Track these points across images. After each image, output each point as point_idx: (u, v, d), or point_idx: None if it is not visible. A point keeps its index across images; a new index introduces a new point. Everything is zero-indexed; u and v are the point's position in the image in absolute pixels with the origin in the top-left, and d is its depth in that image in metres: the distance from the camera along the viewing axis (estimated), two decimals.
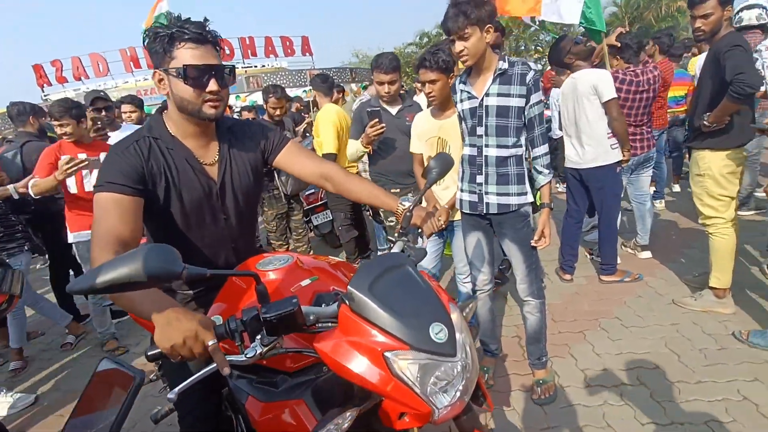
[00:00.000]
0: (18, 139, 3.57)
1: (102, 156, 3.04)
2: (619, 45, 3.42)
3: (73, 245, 3.09)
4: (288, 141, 1.50)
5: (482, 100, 1.92)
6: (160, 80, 1.24)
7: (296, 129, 3.82)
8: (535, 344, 2.23)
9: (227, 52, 19.27)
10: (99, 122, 3.41)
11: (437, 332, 0.92)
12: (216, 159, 1.37)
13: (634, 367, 2.33)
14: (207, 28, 1.22)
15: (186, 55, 1.18)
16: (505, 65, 1.88)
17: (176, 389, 0.85)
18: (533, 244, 2.02)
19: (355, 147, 2.87)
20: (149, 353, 0.88)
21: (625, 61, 3.40)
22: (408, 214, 1.32)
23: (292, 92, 13.95)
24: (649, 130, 3.48)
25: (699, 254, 3.39)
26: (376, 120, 2.65)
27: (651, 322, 2.73)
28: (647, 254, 3.64)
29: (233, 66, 1.29)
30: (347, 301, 0.94)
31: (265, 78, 18.45)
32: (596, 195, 3.19)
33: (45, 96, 19.47)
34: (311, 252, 4.15)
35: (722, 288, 2.67)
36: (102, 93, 3.72)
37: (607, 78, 2.96)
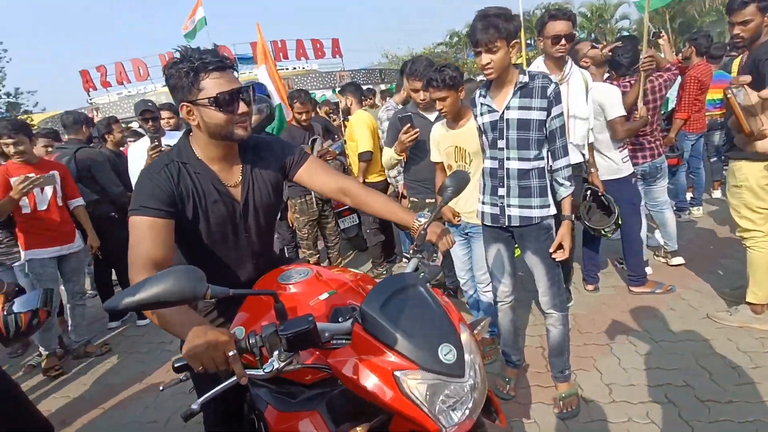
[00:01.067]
0: (69, 146, 3.81)
1: (54, 173, 3.17)
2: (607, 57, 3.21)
3: (26, 264, 3.11)
4: (308, 157, 1.56)
5: (503, 113, 1.93)
6: (189, 112, 1.30)
7: (324, 143, 3.84)
8: (557, 357, 2.21)
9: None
10: (151, 130, 3.64)
11: (446, 353, 0.94)
12: (239, 180, 1.43)
13: (663, 383, 2.27)
14: (221, 55, 1.29)
15: (213, 84, 1.24)
16: (526, 78, 1.88)
17: (200, 400, 0.91)
18: (551, 252, 2.01)
19: (389, 155, 2.92)
20: (176, 364, 0.95)
21: (619, 76, 3.21)
22: (423, 231, 1.35)
23: (321, 93, 14.20)
24: (655, 138, 3.28)
25: (737, 266, 3.24)
26: (409, 125, 2.69)
27: (683, 336, 2.64)
28: (679, 260, 3.52)
29: (252, 85, 1.37)
30: (360, 321, 0.98)
31: (296, 80, 18.80)
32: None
33: (90, 100, 20.55)
34: (340, 258, 4.22)
35: (760, 303, 2.56)
36: (150, 103, 3.88)
37: (613, 94, 2.85)
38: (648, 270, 3.33)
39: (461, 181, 1.43)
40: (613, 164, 2.97)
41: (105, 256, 3.68)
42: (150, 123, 3.71)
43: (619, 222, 2.73)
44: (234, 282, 1.50)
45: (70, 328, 3.48)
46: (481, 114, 2.03)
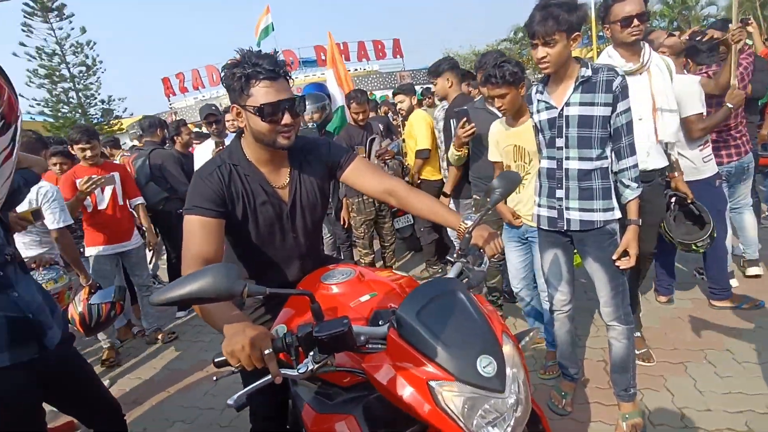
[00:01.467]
0: (145, 148, 4.15)
1: (115, 174, 3.40)
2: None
3: (90, 259, 3.34)
4: (355, 157, 1.55)
5: (562, 109, 1.80)
6: (238, 114, 1.35)
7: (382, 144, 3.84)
8: (621, 374, 2.03)
9: (322, 57, 20.32)
10: (215, 132, 3.92)
11: (485, 365, 0.89)
12: (287, 182, 1.47)
13: (744, 409, 2.01)
14: (278, 62, 1.30)
15: (261, 93, 1.27)
16: (589, 72, 1.74)
17: (235, 396, 0.93)
18: (614, 259, 1.85)
19: (450, 152, 2.88)
20: (216, 359, 0.98)
21: (698, 65, 2.89)
22: (468, 234, 1.29)
23: (381, 93, 14.32)
24: (741, 134, 2.90)
25: None
26: (465, 120, 2.61)
27: None
28: (756, 270, 3.13)
29: (303, 96, 1.39)
30: (396, 326, 0.94)
31: (357, 81, 19.13)
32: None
33: (171, 104, 22.27)
34: (394, 259, 4.20)
35: None
36: (213, 107, 4.13)
37: (694, 88, 2.50)
38: (733, 282, 2.98)
39: (510, 182, 1.35)
40: (691, 164, 2.65)
41: (174, 248, 3.95)
42: (213, 126, 3.93)
43: (714, 235, 2.38)
44: (280, 280, 1.54)
45: (141, 315, 3.78)
46: (538, 111, 1.92)
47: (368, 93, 4.69)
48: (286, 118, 1.30)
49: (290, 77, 1.34)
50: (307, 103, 3.69)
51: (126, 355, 3.60)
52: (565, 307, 2.13)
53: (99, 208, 3.32)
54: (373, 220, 3.85)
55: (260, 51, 1.31)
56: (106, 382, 3.12)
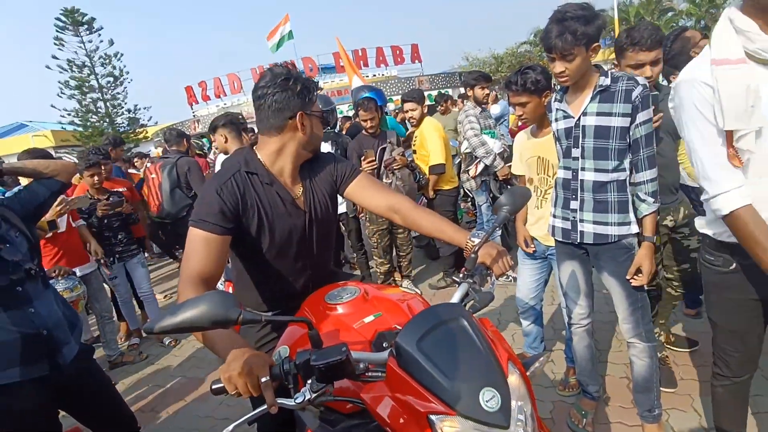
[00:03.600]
0: (172, 156, 4.26)
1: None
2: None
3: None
4: (359, 172, 1.54)
5: (579, 119, 1.74)
6: (302, 122, 1.36)
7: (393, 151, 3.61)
8: (644, 393, 1.94)
9: (341, 63, 20.48)
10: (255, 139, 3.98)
11: (488, 399, 0.84)
12: (301, 192, 1.46)
13: None
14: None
15: (317, 102, 1.40)
16: (608, 81, 1.68)
17: (231, 426, 0.91)
18: (628, 279, 1.78)
19: None
20: (213, 387, 0.96)
21: None
22: (474, 253, 1.23)
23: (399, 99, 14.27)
24: None
25: None
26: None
27: None
28: None
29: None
30: (395, 354, 0.91)
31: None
32: None
33: (194, 112, 22.80)
34: (410, 268, 4.12)
35: None
36: (241, 117, 4.15)
37: None
38: None
39: (519, 197, 1.29)
40: None
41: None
42: (250, 134, 4.00)
43: None
44: (289, 292, 1.52)
45: (106, 340, 3.55)
46: (556, 120, 1.86)
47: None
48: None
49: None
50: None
51: (143, 362, 3.65)
52: (583, 321, 2.05)
53: (58, 230, 3.10)
54: (387, 230, 3.77)
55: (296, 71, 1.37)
56: (121, 389, 3.18)
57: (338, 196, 1.57)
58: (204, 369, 3.41)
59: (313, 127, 1.40)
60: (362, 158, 3.44)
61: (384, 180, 3.57)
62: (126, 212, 3.66)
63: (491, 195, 4.05)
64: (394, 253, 4.08)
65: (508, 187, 3.83)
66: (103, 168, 3.54)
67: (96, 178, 3.42)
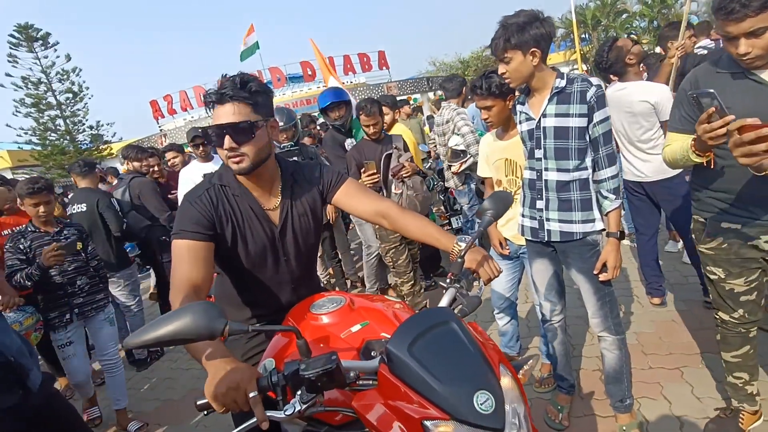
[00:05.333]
0: (126, 176, 4.11)
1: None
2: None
3: None
4: (346, 179, 1.52)
5: (539, 121, 1.79)
6: None
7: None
8: (615, 384, 1.99)
9: (309, 73, 20.38)
10: (201, 155, 3.87)
11: (482, 402, 0.83)
12: (278, 204, 1.44)
13: None
14: (235, 83, 1.26)
15: (214, 117, 1.28)
16: (563, 83, 1.73)
17: None
18: (596, 273, 1.82)
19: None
20: (198, 402, 0.92)
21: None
22: (460, 258, 1.23)
23: None
24: None
25: None
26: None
27: None
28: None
29: (248, 122, 1.28)
30: (386, 361, 0.90)
31: None
32: (669, 210, 2.78)
33: (160, 126, 22.25)
34: (422, 278, 3.97)
35: None
36: (200, 130, 4.07)
37: (668, 95, 2.57)
38: None
39: (501, 201, 1.31)
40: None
41: (159, 276, 3.89)
42: (200, 148, 3.90)
43: None
44: (273, 305, 1.51)
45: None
46: (520, 122, 1.90)
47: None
48: (227, 143, 1.26)
49: (248, 100, 1.28)
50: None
51: None
52: (555, 317, 2.09)
53: None
54: (403, 245, 3.27)
55: (235, 74, 1.30)
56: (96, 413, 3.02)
57: (324, 205, 1.55)
58: (178, 391, 3.30)
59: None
60: (362, 170, 3.12)
61: (394, 191, 3.19)
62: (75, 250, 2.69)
63: (475, 189, 3.96)
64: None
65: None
66: (52, 197, 2.72)
67: (42, 208, 2.58)
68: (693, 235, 1.82)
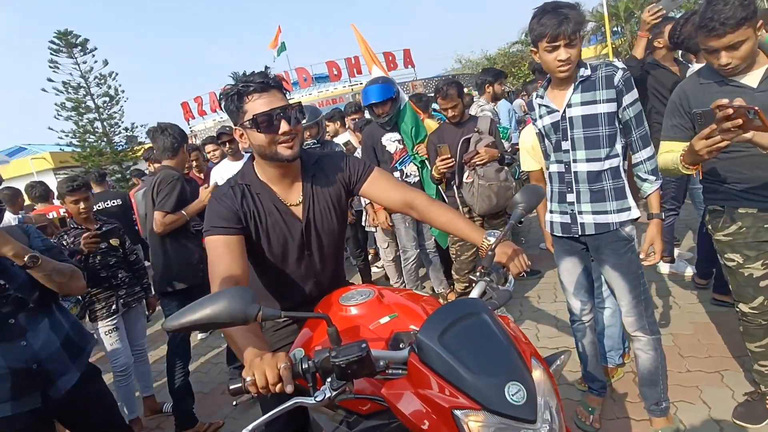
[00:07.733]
0: (150, 177, 4.21)
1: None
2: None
3: None
4: (373, 168, 1.51)
5: (564, 112, 1.73)
6: (241, 135, 1.34)
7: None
8: (650, 387, 1.90)
9: (335, 72, 20.58)
10: (229, 152, 3.90)
11: (514, 393, 0.82)
12: (300, 199, 1.44)
13: None
14: (269, 75, 1.29)
15: (254, 105, 1.27)
16: (588, 71, 1.68)
17: (250, 426, 0.88)
18: (642, 257, 1.77)
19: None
20: (231, 387, 0.93)
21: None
22: (491, 251, 1.21)
23: None
24: None
25: None
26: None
27: None
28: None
29: (299, 103, 1.35)
30: (417, 350, 0.89)
31: None
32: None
33: (191, 127, 22.87)
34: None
35: None
36: (228, 128, 4.14)
37: None
38: None
39: (533, 195, 1.28)
40: None
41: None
42: (228, 145, 3.97)
43: None
44: (299, 300, 1.51)
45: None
46: (540, 116, 1.85)
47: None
48: (283, 126, 1.27)
49: (284, 89, 1.33)
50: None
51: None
52: (585, 317, 2.03)
53: None
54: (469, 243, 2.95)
55: (253, 71, 1.31)
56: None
57: (351, 197, 1.54)
58: (208, 384, 3.37)
59: (250, 138, 1.32)
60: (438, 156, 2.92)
61: (465, 179, 2.96)
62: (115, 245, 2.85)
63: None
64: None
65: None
66: (90, 194, 2.84)
67: (82, 205, 2.69)
68: (709, 226, 1.87)
